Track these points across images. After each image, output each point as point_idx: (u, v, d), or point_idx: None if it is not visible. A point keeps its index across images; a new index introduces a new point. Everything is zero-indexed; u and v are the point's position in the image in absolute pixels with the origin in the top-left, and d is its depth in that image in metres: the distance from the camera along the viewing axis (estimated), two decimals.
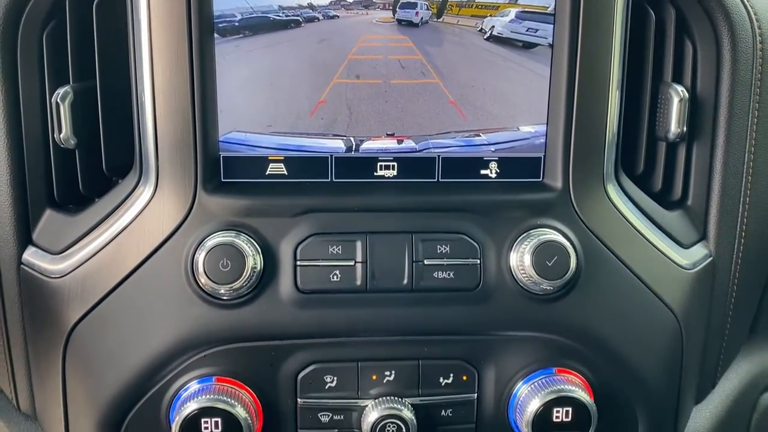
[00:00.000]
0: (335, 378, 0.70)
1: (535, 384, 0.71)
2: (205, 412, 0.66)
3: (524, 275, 0.69)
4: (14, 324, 0.74)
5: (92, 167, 0.73)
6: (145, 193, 0.69)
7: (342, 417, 0.70)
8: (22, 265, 0.72)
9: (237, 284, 0.66)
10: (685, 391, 0.79)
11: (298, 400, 0.70)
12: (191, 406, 0.66)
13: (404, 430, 0.69)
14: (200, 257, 0.66)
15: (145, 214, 0.69)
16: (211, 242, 0.66)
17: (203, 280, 0.66)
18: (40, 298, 0.71)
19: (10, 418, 0.77)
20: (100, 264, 0.69)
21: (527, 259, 0.68)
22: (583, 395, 0.70)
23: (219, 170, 0.69)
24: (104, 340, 0.69)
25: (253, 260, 0.66)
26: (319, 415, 0.70)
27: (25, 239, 0.73)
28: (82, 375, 0.71)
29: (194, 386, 0.68)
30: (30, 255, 0.72)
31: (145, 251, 0.68)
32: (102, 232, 0.70)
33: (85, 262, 0.70)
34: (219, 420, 0.66)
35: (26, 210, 0.72)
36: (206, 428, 0.66)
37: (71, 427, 0.73)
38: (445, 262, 0.69)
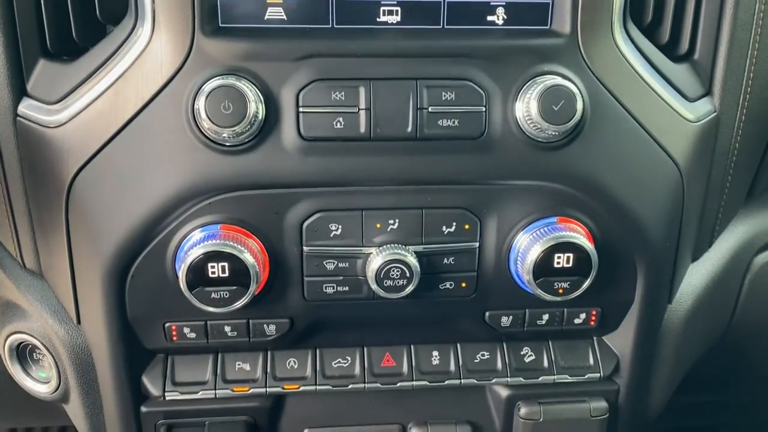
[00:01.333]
0: (340, 226, 0.70)
1: (537, 232, 0.71)
2: (212, 257, 0.67)
3: (530, 122, 0.68)
4: (14, 179, 0.74)
5: (85, 15, 0.70)
6: (142, 37, 0.66)
7: (347, 264, 0.71)
8: (18, 117, 0.71)
9: (239, 128, 0.65)
10: (683, 246, 0.81)
11: (304, 248, 0.71)
12: (198, 251, 0.67)
13: (407, 274, 0.70)
14: (201, 101, 0.64)
15: (142, 59, 0.67)
16: (211, 85, 0.64)
17: (205, 124, 0.65)
18: (39, 150, 0.70)
19: (15, 275, 0.78)
20: (98, 112, 0.68)
21: (533, 105, 0.67)
22: (585, 241, 0.71)
23: (217, 14, 0.67)
24: (106, 189, 0.69)
25: (255, 105, 0.65)
26: (324, 262, 0.71)
27: (19, 91, 0.71)
28: (86, 226, 0.71)
29: (200, 233, 0.68)
30: (25, 107, 0.70)
31: (143, 97, 0.67)
32: (99, 80, 0.68)
33: (82, 110, 0.68)
34: (226, 265, 0.67)
35: (19, 61, 0.70)
36: (213, 273, 0.67)
37: (78, 281, 0.74)
38: (450, 110, 0.68)
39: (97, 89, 0.68)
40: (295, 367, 0.78)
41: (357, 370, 0.79)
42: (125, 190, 0.69)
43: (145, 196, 0.68)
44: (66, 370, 0.78)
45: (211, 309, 0.68)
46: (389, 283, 0.70)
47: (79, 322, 0.76)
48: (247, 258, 0.67)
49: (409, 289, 0.70)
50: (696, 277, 0.86)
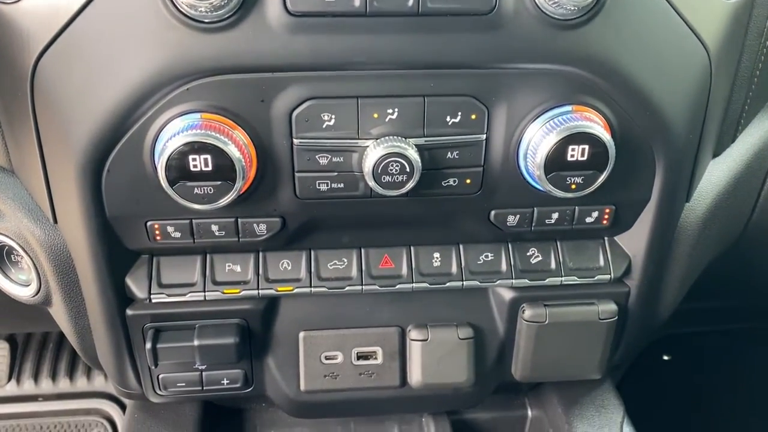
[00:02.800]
0: (333, 116, 0.64)
1: (550, 122, 0.65)
2: (194, 149, 0.61)
3: None
4: None
5: None
6: None
7: (341, 158, 0.66)
8: None
9: (219, 3, 0.57)
10: (705, 140, 0.75)
11: (294, 140, 0.64)
12: (177, 141, 0.60)
13: (407, 169, 0.64)
14: None
15: None
16: None
17: None
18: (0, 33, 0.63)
19: None
20: None
21: None
22: (602, 132, 0.64)
23: None
24: (74, 74, 0.62)
25: None
26: (316, 156, 0.65)
27: None
28: (55, 117, 0.64)
29: (179, 122, 0.62)
30: None
31: None
32: None
33: None
34: (209, 158, 0.61)
35: None
36: (195, 167, 0.62)
37: (51, 177, 0.68)
38: None
39: None
40: (289, 268, 0.74)
41: (354, 272, 0.75)
42: (94, 74, 0.62)
43: (116, 81, 0.61)
44: (46, 272, 0.74)
45: (194, 206, 0.63)
46: (388, 179, 0.64)
47: (55, 221, 0.71)
48: (232, 151, 0.61)
49: (410, 185, 0.65)
50: (716, 174, 0.80)
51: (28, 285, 0.76)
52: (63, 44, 0.61)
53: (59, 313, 0.77)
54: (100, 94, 0.62)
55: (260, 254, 0.74)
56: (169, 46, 0.60)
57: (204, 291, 0.73)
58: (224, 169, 0.62)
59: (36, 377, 1.48)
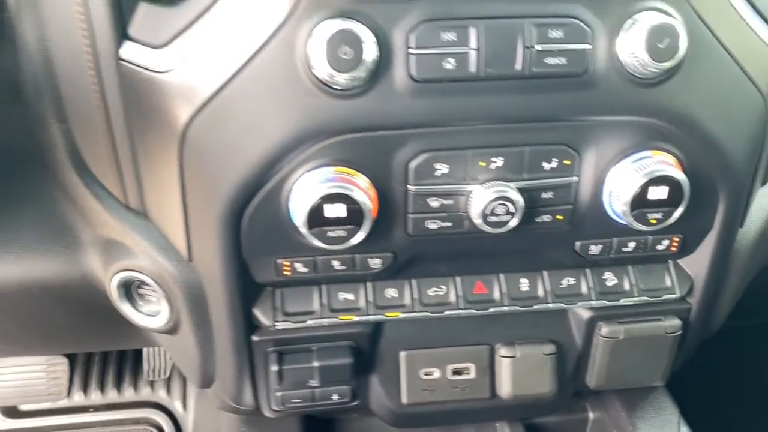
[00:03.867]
0: (445, 165, 0.73)
1: (633, 165, 0.74)
2: (330, 198, 0.69)
3: (633, 58, 0.69)
4: (119, 123, 0.75)
5: None
6: None
7: (451, 201, 0.74)
8: (120, 61, 0.71)
9: (356, 72, 0.66)
10: (759, 172, 0.84)
11: (410, 186, 0.73)
12: (317, 192, 0.69)
13: (512, 210, 0.73)
14: (318, 45, 0.65)
15: (253, 2, 0.66)
16: (328, 29, 0.65)
17: (322, 68, 0.65)
18: (147, 94, 0.71)
19: (120, 215, 0.80)
20: (210, 57, 0.68)
21: (639, 42, 0.68)
22: (678, 173, 0.74)
23: None
24: (221, 133, 0.70)
25: (371, 49, 0.66)
26: (428, 200, 0.74)
27: (120, 35, 0.71)
28: (200, 170, 0.73)
29: (314, 174, 0.71)
30: (128, 50, 0.71)
31: (256, 42, 0.67)
32: (208, 24, 0.68)
33: (192, 55, 0.69)
34: (342, 205, 0.70)
35: (119, 3, 0.70)
36: (330, 213, 0.70)
37: (190, 221, 0.76)
38: (556, 48, 0.69)
39: (206, 34, 0.68)
40: (395, 296, 0.83)
41: (452, 297, 0.84)
42: (240, 133, 0.70)
43: (259, 139, 0.70)
44: (178, 305, 0.82)
45: (328, 247, 0.72)
46: (494, 219, 0.73)
47: (190, 259, 0.79)
48: (363, 199, 0.70)
49: (513, 223, 0.74)
50: (765, 199, 0.90)
51: (156, 316, 0.84)
52: (213, 107, 0.69)
53: (184, 340, 0.85)
54: (245, 151, 0.71)
55: (369, 284, 0.83)
56: (308, 111, 0.69)
57: (323, 318, 0.81)
58: (354, 215, 0.71)
59: (86, 389, 1.56)
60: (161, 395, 1.58)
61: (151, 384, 1.56)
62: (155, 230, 0.81)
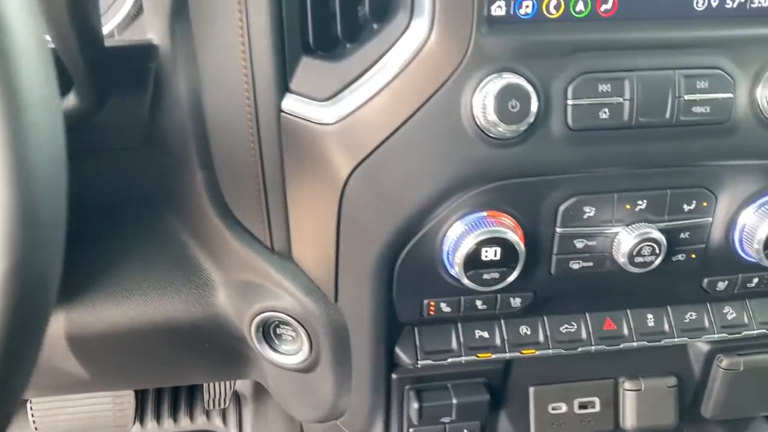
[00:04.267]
0: (593, 208, 0.76)
1: (765, 207, 0.78)
2: (485, 242, 0.72)
3: None
4: (272, 170, 0.77)
5: (350, 11, 0.72)
6: (417, 34, 0.69)
7: (595, 242, 0.77)
8: (282, 113, 0.74)
9: (521, 123, 0.69)
10: None
11: (557, 229, 0.76)
12: (474, 238, 0.72)
13: (657, 251, 0.76)
14: (486, 98, 0.68)
15: (418, 57, 0.69)
16: (496, 83, 0.68)
17: (489, 120, 0.68)
18: (307, 145, 0.74)
19: (264, 257, 0.83)
20: (373, 111, 0.71)
21: None
22: None
23: (489, 9, 0.70)
24: (382, 182, 0.73)
25: (535, 101, 0.69)
26: (574, 241, 0.77)
27: (283, 87, 0.74)
28: (358, 217, 0.75)
29: (469, 220, 0.73)
30: (290, 103, 0.74)
31: (420, 96, 0.70)
32: (372, 78, 0.71)
33: (357, 109, 0.71)
34: (497, 249, 0.73)
35: (284, 58, 0.73)
36: (486, 257, 0.73)
37: (341, 266, 0.79)
38: (702, 97, 0.73)
39: (371, 88, 0.71)
40: (528, 333, 0.86)
41: (584, 334, 0.86)
42: (400, 183, 0.73)
43: (419, 188, 0.73)
44: (319, 344, 0.84)
45: (482, 288, 0.75)
46: (640, 259, 0.76)
47: (336, 300, 0.81)
48: (516, 241, 0.73)
49: (657, 263, 0.77)
50: None
51: (294, 354, 0.87)
52: (375, 158, 0.72)
53: (320, 377, 0.87)
54: (404, 199, 0.73)
55: (502, 321, 0.85)
56: (468, 159, 0.72)
57: (462, 356, 0.84)
58: (508, 257, 0.73)
59: (142, 420, 1.57)
60: (217, 423, 1.60)
61: (207, 413, 1.58)
62: (299, 272, 0.83)
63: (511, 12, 0.71)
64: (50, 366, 0.99)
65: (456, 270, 0.74)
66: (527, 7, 0.71)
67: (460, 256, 0.73)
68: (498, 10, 0.70)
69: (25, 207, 0.40)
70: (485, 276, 0.74)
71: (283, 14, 0.71)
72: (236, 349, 0.96)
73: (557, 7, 0.72)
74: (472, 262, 0.73)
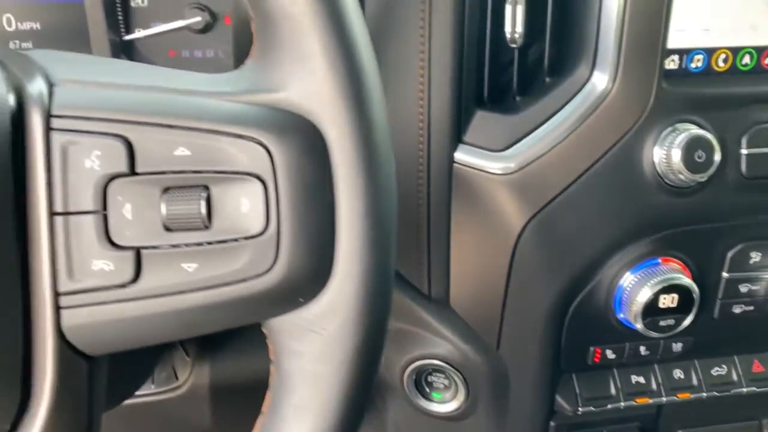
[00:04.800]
0: (759, 254, 0.77)
1: None
2: (664, 290, 0.73)
3: None
4: (439, 219, 0.78)
5: (523, 66, 0.74)
6: (599, 87, 0.70)
7: (758, 287, 0.79)
8: (454, 163, 0.75)
9: (705, 173, 0.70)
10: None
11: (724, 274, 0.78)
12: (651, 287, 0.73)
13: None
14: (671, 150, 0.69)
15: (600, 109, 0.71)
16: (681, 134, 0.69)
17: (675, 170, 0.70)
18: (481, 195, 0.75)
19: (422, 305, 0.83)
20: (551, 161, 0.73)
21: None
22: None
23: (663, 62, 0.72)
24: (555, 233, 0.74)
25: (717, 150, 0.70)
26: (739, 286, 0.78)
27: (456, 138, 0.75)
28: (527, 267, 0.76)
29: (641, 268, 0.75)
30: (463, 153, 0.75)
31: (602, 147, 0.71)
32: (550, 129, 0.73)
33: (534, 160, 0.73)
34: (675, 296, 0.74)
35: (459, 110, 0.74)
36: (663, 304, 0.74)
37: (506, 315, 0.79)
38: None
39: (549, 139, 0.72)
40: (682, 377, 0.86)
41: (734, 376, 0.87)
42: (575, 233, 0.74)
43: (596, 239, 0.74)
44: (476, 392, 0.84)
45: (657, 335, 0.75)
46: None
47: (498, 348, 0.82)
48: (693, 287, 0.74)
49: None
50: None
51: (449, 402, 0.86)
52: (551, 208, 0.73)
53: (474, 425, 0.87)
54: (580, 249, 0.75)
55: (656, 366, 0.86)
56: (646, 209, 0.73)
57: (620, 402, 0.84)
58: (685, 302, 0.74)
59: None
60: None
61: None
62: (458, 319, 0.83)
63: (684, 66, 0.73)
64: (179, 415, 0.98)
65: (630, 317, 0.74)
66: (698, 60, 0.73)
67: (637, 304, 0.74)
68: (671, 63, 0.73)
69: (387, 269, 0.41)
70: (661, 323, 0.75)
71: (464, 69, 0.72)
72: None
73: (725, 61, 0.74)
74: (650, 309, 0.74)
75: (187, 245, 0.39)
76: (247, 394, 0.83)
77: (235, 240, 0.39)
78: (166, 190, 0.39)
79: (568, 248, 0.75)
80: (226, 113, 0.40)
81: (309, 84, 0.39)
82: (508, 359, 0.82)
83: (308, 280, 0.40)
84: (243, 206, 0.39)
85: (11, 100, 0.38)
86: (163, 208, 0.39)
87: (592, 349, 0.80)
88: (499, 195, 0.75)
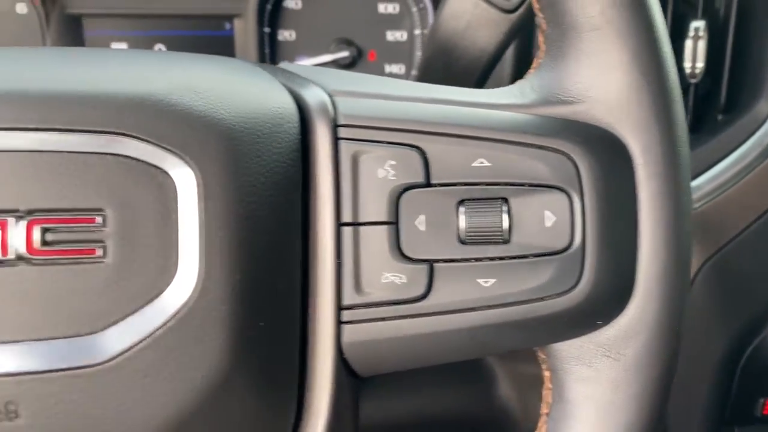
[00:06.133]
0: None
1: None
2: None
3: None
4: None
5: (696, 102, 0.73)
6: None
7: None
8: None
9: None
10: None
11: None
12: None
13: None
14: None
15: None
16: None
17: None
18: None
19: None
20: (730, 202, 0.70)
21: None
22: None
23: None
24: (732, 274, 0.71)
25: None
26: None
27: None
28: (700, 311, 0.73)
29: None
30: None
31: None
32: (728, 168, 0.71)
33: (711, 200, 0.70)
34: None
35: None
36: None
37: None
38: None
39: (729, 177, 0.70)
40: None
41: None
42: (753, 275, 0.71)
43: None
44: None
45: None
46: None
47: None
48: None
49: None
50: None
51: None
52: (731, 248, 0.71)
53: None
54: (757, 292, 0.71)
55: None
56: None
57: None
58: None
59: None
60: None
61: None
62: None
63: None
64: None
65: None
66: None
67: None
68: None
69: (685, 293, 0.39)
70: None
71: None
72: None
73: None
74: None
75: (486, 259, 0.37)
76: None
77: (538, 255, 0.37)
78: (461, 202, 0.37)
79: (744, 290, 0.72)
80: (528, 124, 0.38)
81: (613, 95, 0.38)
82: (672, 408, 0.78)
83: (611, 300, 0.38)
84: (547, 220, 0.37)
85: (295, 110, 0.37)
86: (462, 221, 0.37)
87: (762, 400, 0.76)
88: None
